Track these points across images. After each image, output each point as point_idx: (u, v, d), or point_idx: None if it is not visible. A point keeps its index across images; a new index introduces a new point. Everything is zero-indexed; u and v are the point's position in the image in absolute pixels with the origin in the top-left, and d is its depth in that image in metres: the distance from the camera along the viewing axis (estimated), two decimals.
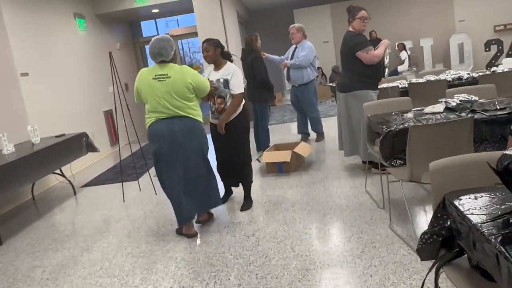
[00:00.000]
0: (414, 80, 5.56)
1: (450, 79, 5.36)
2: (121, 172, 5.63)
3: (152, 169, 6.31)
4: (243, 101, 4.06)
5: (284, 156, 5.14)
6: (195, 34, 10.29)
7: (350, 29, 4.49)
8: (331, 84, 12.75)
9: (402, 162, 3.24)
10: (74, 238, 4.07)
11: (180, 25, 17.34)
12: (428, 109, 3.58)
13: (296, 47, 6.50)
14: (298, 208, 3.99)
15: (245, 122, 4.13)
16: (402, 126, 3.18)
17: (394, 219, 3.43)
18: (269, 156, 5.29)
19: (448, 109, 3.53)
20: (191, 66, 4.29)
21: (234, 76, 3.96)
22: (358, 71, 4.40)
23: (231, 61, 4.14)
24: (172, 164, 3.56)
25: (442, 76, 5.56)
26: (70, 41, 7.65)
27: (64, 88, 7.18)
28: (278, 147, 5.77)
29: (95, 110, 8.14)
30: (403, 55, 11.80)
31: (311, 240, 3.31)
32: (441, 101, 3.68)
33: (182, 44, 12.54)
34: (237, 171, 4.23)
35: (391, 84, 5.44)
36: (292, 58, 6.46)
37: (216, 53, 4.01)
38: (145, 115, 3.59)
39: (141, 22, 11.18)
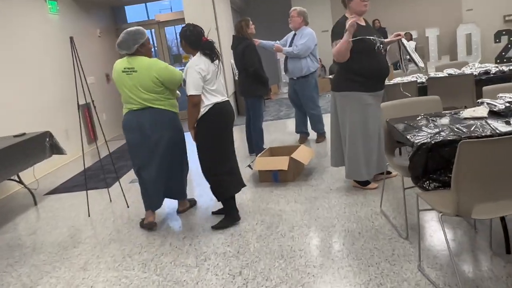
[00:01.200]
0: (433, 74, 4.75)
1: (476, 73, 4.56)
2: (85, 180, 4.81)
3: (124, 177, 5.52)
4: (204, 105, 3.34)
5: (281, 163, 4.34)
6: (183, 21, 9.42)
7: (347, 13, 3.68)
8: (331, 76, 12.00)
9: (437, 185, 2.45)
10: (17, 270, 3.26)
11: (173, 10, 16.38)
12: (467, 112, 2.78)
13: (295, 34, 5.67)
14: (298, 235, 3.19)
15: (204, 128, 3.39)
16: (439, 137, 2.38)
17: (424, 256, 2.64)
18: (263, 163, 4.48)
19: (493, 113, 2.74)
20: (179, 57, 3.94)
21: (187, 74, 3.30)
22: (346, 68, 3.61)
23: (207, 52, 3.35)
24: (143, 154, 3.59)
25: (466, 70, 4.75)
26: (39, 25, 6.77)
27: (31, 80, 6.31)
28: (273, 152, 4.96)
29: (69, 105, 7.27)
30: (411, 45, 10.97)
31: (317, 286, 2.52)
32: (482, 103, 2.89)
33: (174, 31, 11.63)
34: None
35: (405, 79, 4.63)
36: (290, 46, 5.63)
37: (185, 46, 3.43)
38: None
39: (126, 7, 10.28)
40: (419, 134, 2.50)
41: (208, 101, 3.32)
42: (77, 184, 5.51)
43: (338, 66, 3.73)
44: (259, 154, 4.81)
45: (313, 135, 6.09)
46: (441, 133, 2.45)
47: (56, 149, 5.13)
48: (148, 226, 3.68)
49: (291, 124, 7.50)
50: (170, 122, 3.58)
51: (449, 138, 2.32)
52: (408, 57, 4.35)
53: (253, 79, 5.19)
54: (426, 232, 2.94)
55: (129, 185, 5.13)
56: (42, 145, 4.93)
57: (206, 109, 3.33)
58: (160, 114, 3.51)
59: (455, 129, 2.49)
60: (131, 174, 5.62)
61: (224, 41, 8.12)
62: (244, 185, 3.66)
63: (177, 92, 3.76)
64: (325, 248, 2.92)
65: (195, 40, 3.35)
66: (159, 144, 3.54)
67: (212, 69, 3.31)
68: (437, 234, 2.90)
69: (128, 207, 4.33)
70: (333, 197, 3.81)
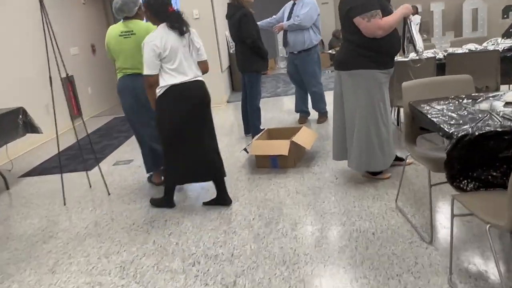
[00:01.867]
0: (450, 50, 4.26)
1: (500, 50, 4.07)
2: (60, 162, 4.35)
3: (108, 158, 5.04)
4: (159, 86, 3.04)
5: (281, 147, 3.87)
6: None
7: None
8: (330, 51, 11.40)
9: (478, 185, 2.01)
10: None
11: None
12: (509, 96, 2.32)
13: (294, 4, 5.12)
14: (302, 234, 2.76)
15: (158, 111, 3.10)
16: (485, 127, 1.92)
17: (455, 266, 2.22)
18: (260, 147, 4.01)
19: None
20: None
21: (143, 51, 2.99)
22: (358, 43, 3.11)
23: (175, 25, 3.00)
24: (138, 119, 3.64)
25: (488, 46, 4.27)
26: None
27: (3, 51, 5.73)
28: (271, 134, 4.50)
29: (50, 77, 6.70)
30: (417, 19, 10.41)
31: None
32: None
33: None
34: None
35: (425, 55, 4.13)
36: (289, 18, 5.10)
37: (150, 16, 3.11)
38: (116, 71, 3.63)
39: None
40: (456, 123, 2.04)
41: (164, 82, 2.98)
42: (57, 165, 5.02)
43: (346, 41, 3.23)
44: (256, 137, 4.34)
45: (313, 114, 5.62)
46: (486, 121, 1.99)
47: (31, 127, 4.63)
48: (156, 184, 3.90)
49: (289, 101, 7.02)
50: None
51: (499, 130, 1.86)
52: (409, 35, 3.83)
53: (250, 52, 4.68)
54: (455, 235, 2.52)
55: (112, 168, 4.66)
56: (15, 123, 4.43)
57: (161, 91, 3.01)
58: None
59: (500, 117, 2.03)
60: (116, 155, 5.15)
61: (218, 10, 7.52)
62: (202, 180, 3.35)
63: None
64: (335, 253, 2.49)
65: (158, 10, 2.98)
66: (150, 110, 3.38)
67: (173, 45, 2.94)
68: (468, 240, 2.48)
69: (109, 194, 3.87)
70: (340, 188, 3.37)
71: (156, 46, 2.91)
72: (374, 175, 3.45)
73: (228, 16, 4.82)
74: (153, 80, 2.99)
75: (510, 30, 11.45)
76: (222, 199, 3.31)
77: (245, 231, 2.88)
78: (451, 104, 2.40)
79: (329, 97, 6.19)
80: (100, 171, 4.02)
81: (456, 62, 3.97)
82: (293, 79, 5.43)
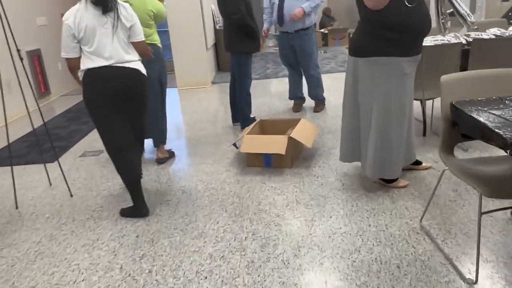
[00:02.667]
0: (473, 35, 3.69)
1: None
2: (10, 153, 3.70)
3: (76, 146, 4.37)
4: (79, 70, 2.68)
5: (277, 145, 3.29)
6: None
7: None
8: (322, 30, 10.74)
9: None
10: None
11: None
12: None
13: None
14: (308, 263, 2.20)
15: (83, 96, 2.70)
16: None
17: None
18: (253, 144, 3.42)
19: None
20: None
21: None
22: (377, 22, 2.51)
23: (97, 1, 2.56)
24: None
25: None
26: None
27: None
28: (265, 126, 3.90)
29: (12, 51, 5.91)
30: None
31: None
32: None
33: None
34: None
35: (445, 39, 3.56)
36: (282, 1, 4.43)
37: None
38: None
39: None
40: None
41: (83, 65, 2.63)
42: (16, 154, 4.34)
43: (363, 21, 2.62)
44: (246, 129, 3.74)
45: (309, 102, 5.03)
46: None
47: None
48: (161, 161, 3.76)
49: (280, 85, 6.41)
50: (158, 56, 3.52)
51: None
52: (451, 10, 3.25)
53: (237, 30, 4.04)
54: (502, 277, 2.00)
55: (79, 161, 4.01)
56: None
57: (81, 76, 2.67)
58: (154, 49, 3.38)
59: None
60: (84, 143, 4.49)
61: None
62: (137, 176, 2.80)
63: None
64: None
65: None
66: (150, 79, 3.20)
67: (89, 24, 2.55)
68: None
69: (71, 196, 3.24)
70: (349, 198, 2.82)
71: (69, 26, 2.55)
72: (388, 183, 2.91)
73: None
74: (73, 64, 2.65)
75: (510, 14, 11.00)
76: (137, 210, 2.83)
77: (236, 256, 2.31)
78: (506, 107, 1.84)
79: (325, 82, 5.61)
80: (60, 168, 3.37)
81: (481, 49, 3.41)
82: (287, 62, 4.81)
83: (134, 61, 2.68)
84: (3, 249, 2.59)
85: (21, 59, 3.05)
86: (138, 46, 2.75)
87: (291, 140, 3.32)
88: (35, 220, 2.92)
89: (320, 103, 4.86)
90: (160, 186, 3.28)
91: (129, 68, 2.64)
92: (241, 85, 4.27)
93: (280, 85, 6.40)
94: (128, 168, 2.77)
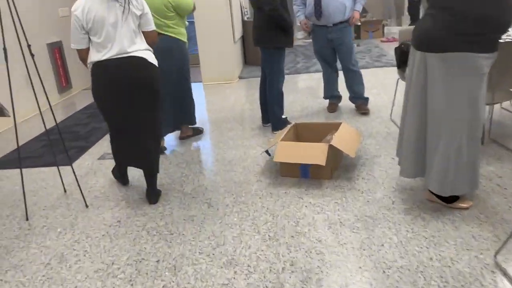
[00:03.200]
0: None
1: None
2: (19, 157, 3.41)
3: (95, 148, 4.05)
4: (88, 61, 2.69)
5: (315, 155, 2.90)
6: None
7: None
8: None
9: None
10: None
11: None
12: None
13: None
14: None
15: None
16: None
17: None
18: (288, 152, 3.04)
19: None
20: None
21: None
22: (460, 12, 2.08)
23: None
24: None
25: None
26: None
27: None
28: (300, 130, 3.51)
29: (33, 43, 5.65)
30: None
31: None
32: None
33: None
34: None
35: None
36: None
37: None
38: None
39: None
40: None
41: (89, 58, 2.63)
42: (31, 155, 4.08)
43: (438, 8, 2.20)
44: (280, 134, 3.36)
45: (346, 103, 4.60)
46: None
47: None
48: (182, 138, 4.03)
49: (311, 80, 5.99)
50: (179, 50, 3.56)
51: None
52: None
53: (269, 23, 3.65)
54: None
55: (97, 164, 3.72)
56: None
57: (90, 68, 2.66)
58: (170, 43, 3.49)
59: None
60: (104, 143, 4.20)
61: None
62: (134, 166, 2.96)
63: (186, 21, 3.68)
64: None
65: None
66: (167, 73, 3.45)
67: (98, 14, 2.50)
68: None
69: (87, 207, 2.94)
70: (402, 221, 2.42)
71: (77, 17, 2.52)
72: (448, 202, 2.49)
73: None
74: (82, 55, 2.66)
75: None
76: (148, 196, 2.90)
77: None
78: None
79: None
80: (74, 175, 3.06)
81: None
82: (322, 59, 4.38)
83: (140, 50, 2.63)
84: (7, 272, 2.29)
85: (32, 55, 2.74)
86: (149, 36, 2.73)
87: (332, 149, 2.93)
88: (45, 235, 2.62)
89: (364, 103, 4.40)
90: (183, 197, 2.94)
91: (135, 57, 2.59)
92: (273, 84, 3.88)
93: (311, 81, 5.98)
94: (123, 161, 2.97)
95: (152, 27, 2.73)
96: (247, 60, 7.51)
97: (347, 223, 2.44)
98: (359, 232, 2.35)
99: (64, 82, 6.38)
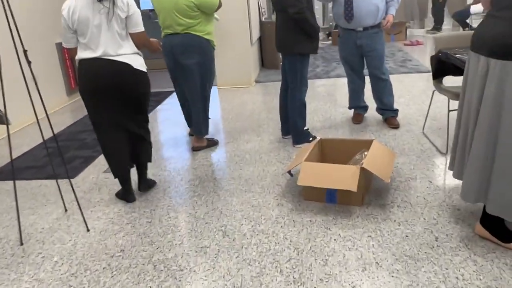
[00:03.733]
0: None
1: None
2: (13, 172, 3.14)
3: (98, 160, 3.74)
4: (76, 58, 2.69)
5: (345, 178, 2.55)
6: None
7: None
8: None
9: None
10: None
11: None
12: None
13: None
14: None
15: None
16: None
17: None
18: (313, 175, 2.69)
19: None
20: None
21: None
22: None
23: None
24: (176, 79, 3.67)
25: None
26: None
27: None
28: (325, 147, 3.16)
29: (42, 43, 5.41)
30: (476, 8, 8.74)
31: None
32: None
33: None
34: None
35: None
36: None
37: None
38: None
39: None
40: None
41: (77, 55, 2.64)
42: (34, 165, 3.81)
43: (504, 9, 1.85)
44: (303, 152, 3.02)
45: (372, 113, 4.24)
46: None
47: None
48: (194, 149, 3.78)
49: (332, 86, 5.64)
50: (202, 49, 3.46)
51: None
52: None
53: (294, 27, 3.31)
54: None
55: (102, 177, 3.42)
56: None
57: (77, 65, 2.66)
58: (191, 39, 3.42)
59: None
60: None
61: None
62: (124, 174, 2.87)
63: (216, 16, 3.65)
64: None
65: None
66: (187, 69, 3.48)
67: (82, 15, 2.48)
68: None
69: (88, 231, 2.64)
70: (449, 263, 2.07)
71: (64, 17, 2.52)
72: (504, 241, 2.13)
73: None
74: (72, 53, 2.69)
75: None
76: (139, 186, 3.02)
77: None
78: None
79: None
80: (74, 193, 2.75)
81: None
82: (349, 66, 4.03)
83: (125, 55, 2.58)
84: None
85: (29, 62, 2.44)
86: (136, 38, 2.66)
87: (363, 171, 2.59)
88: (39, 266, 2.33)
89: (394, 115, 4.04)
90: (196, 223, 2.63)
91: (118, 62, 2.55)
92: (295, 93, 3.55)
93: (332, 87, 5.62)
94: (117, 166, 2.84)
95: (139, 28, 2.64)
96: (264, 63, 7.18)
97: (385, 265, 2.10)
98: (400, 277, 2.01)
99: (73, 83, 6.12)
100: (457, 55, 2.91)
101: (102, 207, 2.92)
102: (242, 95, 5.62)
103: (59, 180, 3.32)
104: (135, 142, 2.86)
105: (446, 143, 3.41)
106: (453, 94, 3.16)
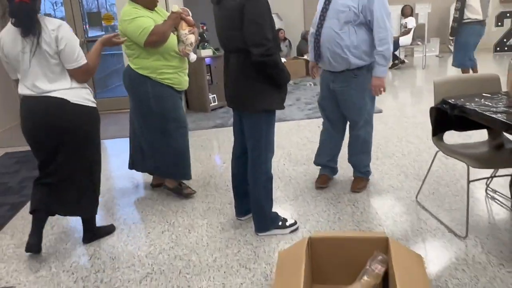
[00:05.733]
0: None
1: None
2: None
3: (28, 206, 2.46)
4: None
5: None
6: None
7: None
8: (304, 56, 9.14)
9: None
10: None
11: None
12: None
13: None
14: None
15: None
16: None
17: None
18: None
19: None
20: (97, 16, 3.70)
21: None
22: None
23: (16, 22, 2.28)
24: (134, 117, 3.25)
25: None
26: None
27: None
28: (317, 252, 2.13)
29: None
30: (411, 22, 8.61)
31: None
32: None
33: None
34: None
35: None
36: (325, 11, 2.82)
37: None
38: None
39: None
40: None
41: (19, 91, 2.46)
42: None
43: None
44: (282, 265, 1.97)
45: (344, 171, 3.37)
46: None
47: None
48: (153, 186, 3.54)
49: (289, 131, 4.71)
50: (137, 86, 2.99)
51: None
52: None
53: (257, 74, 2.34)
54: None
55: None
56: None
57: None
58: (128, 74, 3.01)
59: None
60: None
61: None
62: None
63: (191, 55, 3.04)
64: None
65: None
66: (132, 109, 3.17)
67: (9, 49, 2.31)
68: None
69: None
70: None
71: (1, 48, 2.35)
72: None
73: (215, 0, 2.44)
74: (16, 85, 2.49)
75: (504, 40, 10.02)
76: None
77: None
78: None
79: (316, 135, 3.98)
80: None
81: None
82: (325, 114, 3.16)
83: (58, 90, 2.34)
84: None
85: None
86: (73, 75, 2.40)
87: None
88: None
89: (363, 178, 3.20)
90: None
91: (51, 98, 2.33)
92: (259, 165, 2.52)
93: (289, 132, 4.71)
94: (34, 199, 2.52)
95: (73, 65, 2.36)
96: (189, 105, 6.11)
97: None
98: None
99: None
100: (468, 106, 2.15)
101: (32, 278, 1.62)
102: None
103: None
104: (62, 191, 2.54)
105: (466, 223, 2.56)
106: (473, 160, 2.36)
